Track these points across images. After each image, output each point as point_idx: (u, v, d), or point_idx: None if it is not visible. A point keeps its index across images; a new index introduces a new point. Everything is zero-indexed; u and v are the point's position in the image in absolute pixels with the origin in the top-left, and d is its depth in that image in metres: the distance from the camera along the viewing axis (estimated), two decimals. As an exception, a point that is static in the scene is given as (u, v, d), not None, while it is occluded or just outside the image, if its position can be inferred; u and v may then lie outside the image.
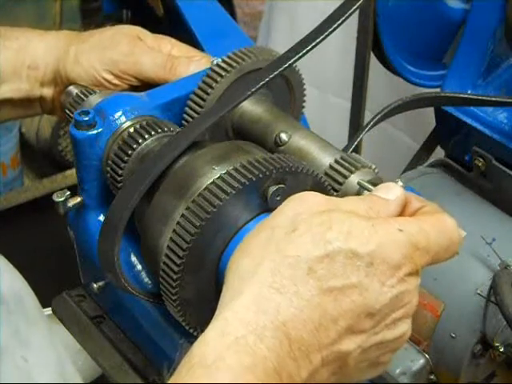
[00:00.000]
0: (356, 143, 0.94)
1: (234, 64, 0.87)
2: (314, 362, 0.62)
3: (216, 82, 0.86)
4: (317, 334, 0.61)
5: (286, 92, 0.93)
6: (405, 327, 0.67)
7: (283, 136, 0.83)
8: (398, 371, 1.02)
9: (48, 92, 1.01)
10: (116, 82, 0.96)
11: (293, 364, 0.61)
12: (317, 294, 0.62)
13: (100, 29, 1.00)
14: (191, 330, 0.75)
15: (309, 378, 0.62)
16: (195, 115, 0.87)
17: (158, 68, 0.95)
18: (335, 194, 0.77)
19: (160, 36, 1.00)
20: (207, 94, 0.86)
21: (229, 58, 0.88)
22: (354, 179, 0.77)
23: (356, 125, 1.26)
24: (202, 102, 0.87)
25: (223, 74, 0.86)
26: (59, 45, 0.99)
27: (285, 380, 0.60)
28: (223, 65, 0.87)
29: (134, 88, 0.96)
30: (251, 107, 0.89)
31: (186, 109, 0.88)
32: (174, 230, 0.71)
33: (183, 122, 0.88)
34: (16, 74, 0.99)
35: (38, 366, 1.18)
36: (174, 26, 1.18)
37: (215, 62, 0.88)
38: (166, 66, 0.95)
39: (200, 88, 0.87)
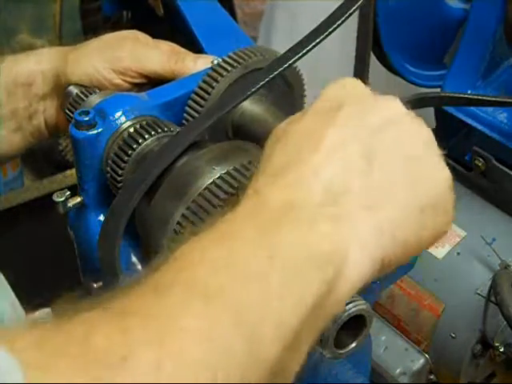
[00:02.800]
0: (356, 143, 0.94)
1: (236, 63, 0.87)
2: None
3: (218, 80, 0.86)
4: None
5: (286, 92, 0.93)
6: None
7: (283, 136, 0.83)
8: (397, 371, 1.03)
9: (51, 105, 0.98)
10: (117, 81, 0.95)
11: None
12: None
13: (98, 37, 0.99)
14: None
15: None
16: (196, 115, 0.87)
17: (163, 61, 0.93)
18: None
19: (159, 40, 0.99)
20: (208, 93, 0.86)
21: (230, 57, 0.88)
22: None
23: (356, 125, 1.25)
24: (203, 102, 0.86)
25: (226, 71, 0.86)
26: (53, 57, 0.97)
27: None
28: (225, 64, 0.87)
29: (137, 88, 0.95)
30: (251, 107, 0.88)
31: (187, 108, 0.88)
32: (174, 230, 0.71)
33: (183, 121, 0.88)
34: (10, 94, 0.96)
35: None
36: (174, 26, 1.18)
37: (216, 62, 0.88)
38: (172, 59, 0.93)
39: (201, 87, 0.87)
